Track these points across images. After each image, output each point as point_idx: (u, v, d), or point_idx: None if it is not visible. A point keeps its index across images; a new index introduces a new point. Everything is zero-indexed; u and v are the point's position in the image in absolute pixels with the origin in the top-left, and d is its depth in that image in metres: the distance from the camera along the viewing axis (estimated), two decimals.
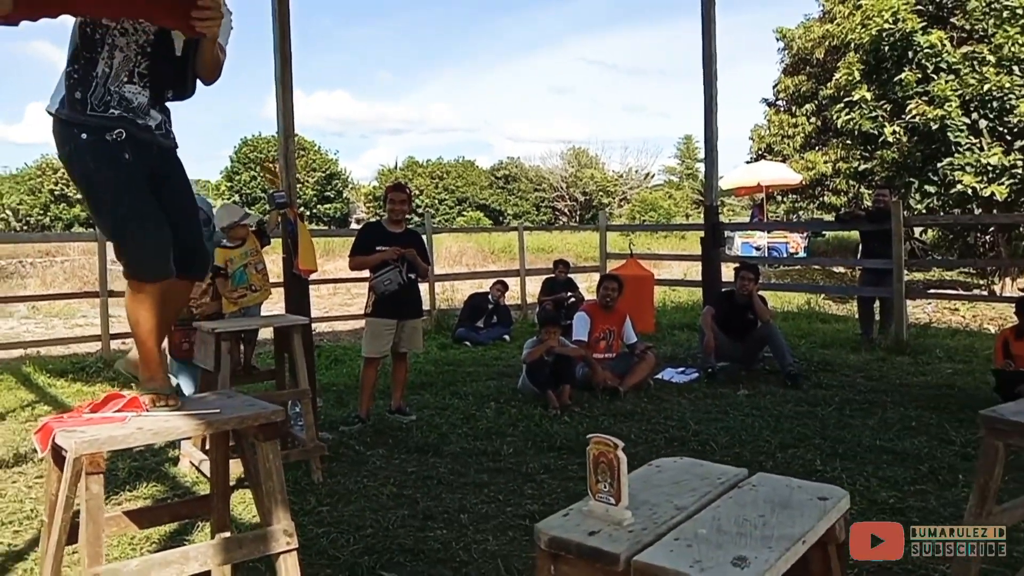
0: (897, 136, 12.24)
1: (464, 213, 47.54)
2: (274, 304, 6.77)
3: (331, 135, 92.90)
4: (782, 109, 22.58)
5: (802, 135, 20.90)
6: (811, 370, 7.18)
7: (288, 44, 4.88)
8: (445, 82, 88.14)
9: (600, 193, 46.85)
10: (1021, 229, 13.08)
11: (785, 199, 24.05)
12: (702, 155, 51.43)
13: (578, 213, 46.32)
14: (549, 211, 47.41)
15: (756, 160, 22.51)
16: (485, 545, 3.51)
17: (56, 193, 42.34)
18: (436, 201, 48.55)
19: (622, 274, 9.86)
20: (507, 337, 9.33)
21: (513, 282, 10.77)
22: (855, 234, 22.04)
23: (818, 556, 1.47)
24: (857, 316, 9.63)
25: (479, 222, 36.88)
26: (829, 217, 20.79)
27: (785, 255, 21.45)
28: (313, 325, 6.04)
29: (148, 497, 4.21)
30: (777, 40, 21.99)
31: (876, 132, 12.62)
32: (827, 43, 19.49)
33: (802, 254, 21.69)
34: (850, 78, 12.95)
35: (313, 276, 5.22)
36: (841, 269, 19.56)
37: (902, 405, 5.91)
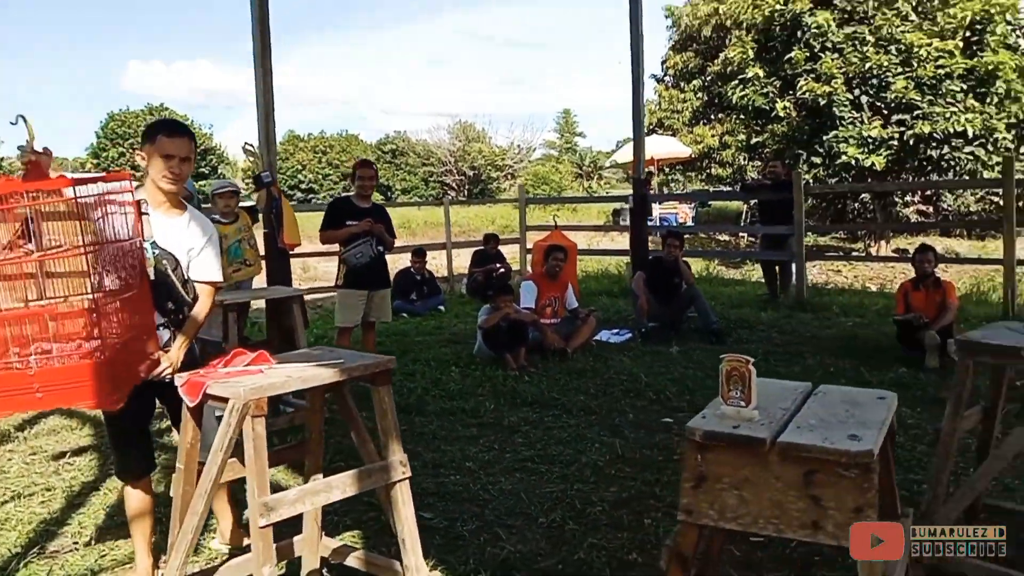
0: (788, 111, 13.25)
1: (348, 189, 46.96)
2: None
3: (196, 108, 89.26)
4: (670, 85, 23.64)
5: (690, 110, 21.99)
6: (730, 327, 7.89)
7: (266, 20, 5.02)
8: (316, 52, 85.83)
9: (488, 167, 47.21)
10: (894, 196, 14.41)
11: (672, 171, 25.32)
12: (580, 129, 51.62)
13: (466, 188, 46.51)
14: (437, 186, 47.35)
15: (648, 135, 23.50)
16: (500, 485, 3.92)
17: None
18: (320, 176, 47.69)
19: (548, 244, 10.40)
20: (442, 307, 9.67)
21: (440, 254, 11.10)
22: (734, 204, 23.63)
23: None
24: (762, 278, 10.52)
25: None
26: (715, 189, 22.17)
27: (675, 224, 22.61)
28: None
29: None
30: (666, 17, 22.93)
31: (768, 107, 13.61)
32: (714, 21, 20.59)
33: (690, 223, 22.87)
34: (744, 56, 13.87)
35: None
36: (726, 237, 20.92)
37: (818, 354, 6.66)
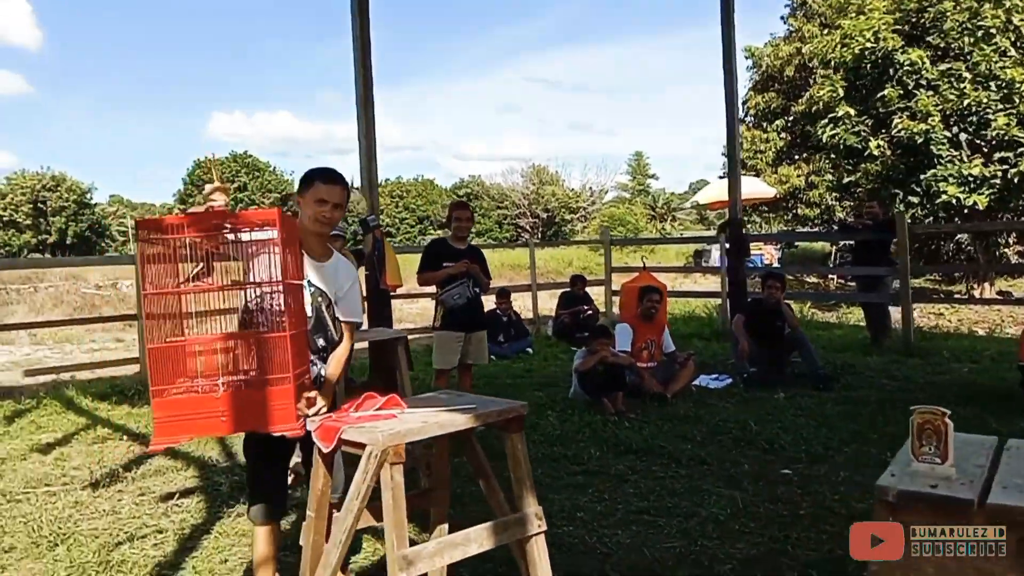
0: (882, 149, 12.84)
1: (426, 232, 47.66)
2: None
3: (274, 155, 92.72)
4: (752, 125, 23.31)
5: (774, 150, 21.61)
6: (836, 373, 7.53)
7: (369, 66, 5.08)
8: (391, 102, 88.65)
9: (562, 210, 47.34)
10: (996, 237, 13.77)
11: (752, 212, 24.84)
12: (652, 171, 51.82)
13: (540, 230, 46.67)
14: (511, 228, 47.66)
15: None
16: (617, 538, 3.74)
17: (4, 219, 41.46)
18: (397, 220, 48.55)
19: (636, 285, 10.21)
20: (530, 350, 9.57)
21: (524, 296, 11.03)
22: (818, 245, 22.99)
23: None
24: (861, 321, 10.10)
25: None
26: (802, 229, 21.64)
27: (761, 266, 22.14)
28: None
29: None
30: (746, 58, 22.71)
31: (860, 146, 13.21)
32: (796, 61, 20.30)
33: (776, 265, 22.34)
34: (833, 95, 13.55)
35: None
36: (814, 279, 20.35)
37: (935, 402, 6.26)
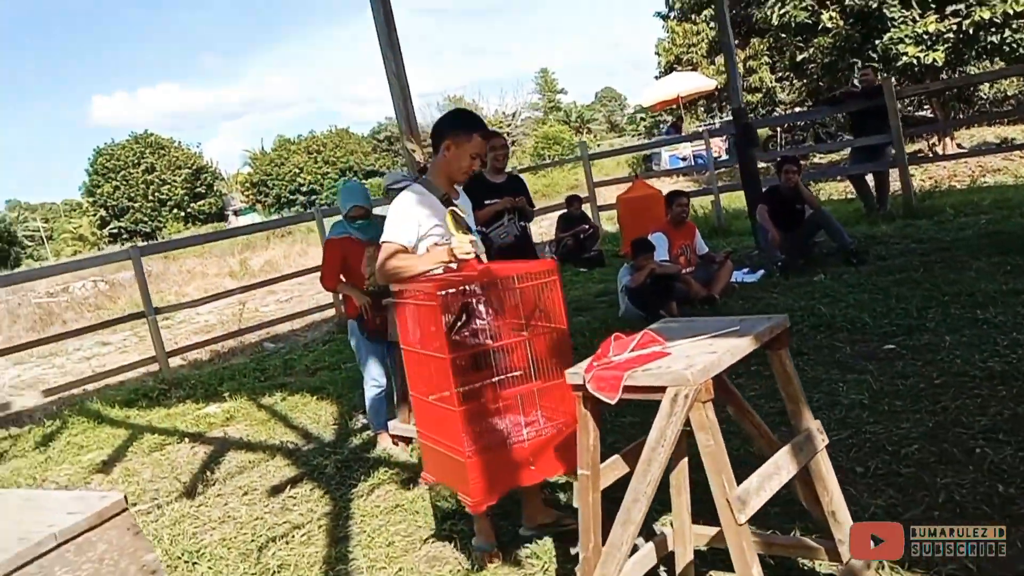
0: (835, 21, 12.79)
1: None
2: None
3: (167, 131, 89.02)
4: (679, 19, 23.09)
5: (706, 41, 21.48)
6: (863, 246, 7.54)
7: (390, 8, 4.70)
8: (276, 55, 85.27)
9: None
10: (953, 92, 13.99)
11: (691, 107, 24.79)
12: (560, 86, 51.64)
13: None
14: None
15: (667, 73, 23.02)
16: None
17: None
18: (319, 176, 47.31)
19: (635, 195, 10.10)
20: None
21: None
22: (762, 131, 23.13)
23: None
24: (851, 194, 10.18)
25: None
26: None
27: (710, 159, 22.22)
28: None
29: (378, 484, 4.13)
30: None
31: (812, 21, 13.15)
32: None
33: (724, 157, 22.45)
34: None
35: None
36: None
37: (978, 256, 6.31)
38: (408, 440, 4.50)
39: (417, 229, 2.91)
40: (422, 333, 2.59)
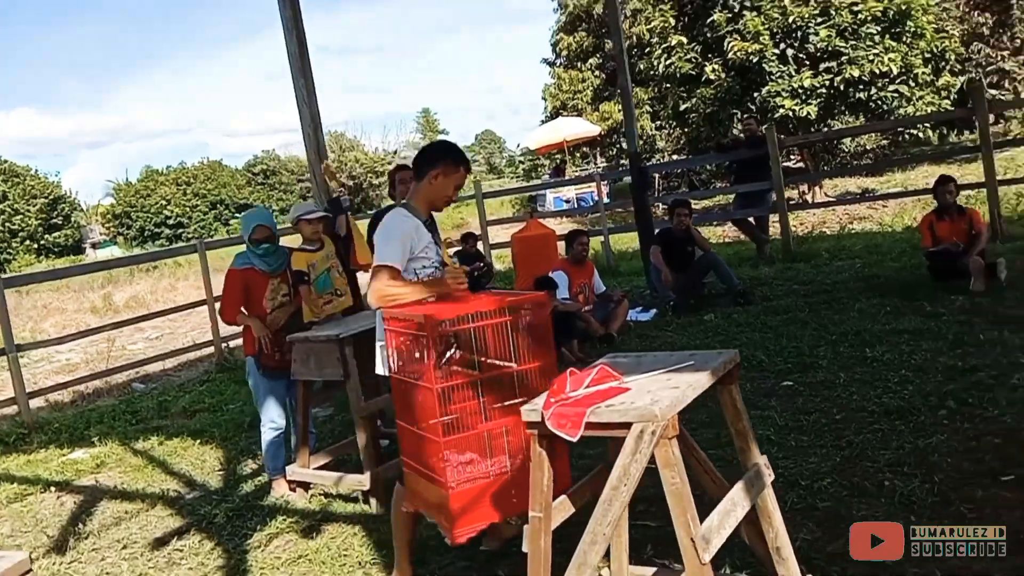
0: (717, 73, 13.42)
1: (222, 218, 45.04)
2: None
3: (21, 157, 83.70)
4: (565, 66, 23.74)
5: (591, 88, 22.15)
6: (748, 288, 7.80)
7: (301, 26, 4.54)
8: (145, 84, 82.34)
9: (369, 175, 46.26)
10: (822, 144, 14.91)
11: (573, 153, 25.42)
12: (441, 127, 52.46)
13: (349, 198, 45.43)
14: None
15: (553, 118, 23.53)
16: None
17: None
18: (188, 209, 45.57)
19: (530, 235, 10.12)
20: None
21: None
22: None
23: None
24: (741, 238, 10.62)
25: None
26: (624, 162, 22.42)
27: (591, 203, 22.80)
28: None
29: (277, 533, 3.85)
30: (551, 0, 23.00)
31: (695, 72, 13.75)
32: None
33: (606, 200, 23.09)
34: (665, 25, 13.96)
35: None
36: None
37: (858, 298, 6.62)
38: (307, 486, 4.23)
39: (407, 251, 2.94)
40: (409, 360, 2.58)
